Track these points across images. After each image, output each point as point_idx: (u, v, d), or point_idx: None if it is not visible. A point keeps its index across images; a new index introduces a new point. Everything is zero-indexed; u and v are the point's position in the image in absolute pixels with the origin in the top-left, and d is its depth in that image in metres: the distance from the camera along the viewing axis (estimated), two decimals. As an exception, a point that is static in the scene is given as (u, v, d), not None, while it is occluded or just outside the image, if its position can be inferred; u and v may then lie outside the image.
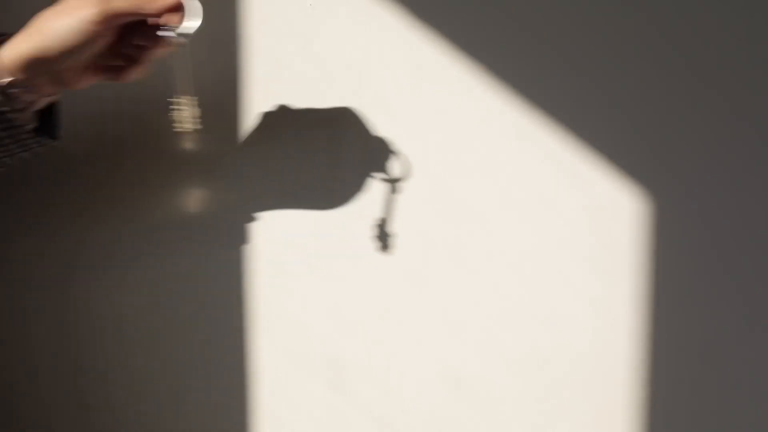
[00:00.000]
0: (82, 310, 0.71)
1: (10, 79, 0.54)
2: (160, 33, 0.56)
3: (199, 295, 0.71)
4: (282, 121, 0.69)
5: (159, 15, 0.56)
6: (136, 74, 0.59)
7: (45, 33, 0.54)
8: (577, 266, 0.69)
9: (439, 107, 0.68)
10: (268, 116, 0.69)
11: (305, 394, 0.71)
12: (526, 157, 0.68)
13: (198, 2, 0.57)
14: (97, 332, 0.72)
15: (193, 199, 0.70)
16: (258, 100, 0.69)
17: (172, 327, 0.71)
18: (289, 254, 0.70)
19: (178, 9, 0.56)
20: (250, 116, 0.69)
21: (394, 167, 0.68)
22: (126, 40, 0.57)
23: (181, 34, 0.56)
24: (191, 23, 0.56)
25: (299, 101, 0.69)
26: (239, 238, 0.70)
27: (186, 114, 0.58)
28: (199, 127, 0.58)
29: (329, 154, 0.69)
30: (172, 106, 0.57)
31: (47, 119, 0.59)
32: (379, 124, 0.69)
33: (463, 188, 0.69)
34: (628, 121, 0.68)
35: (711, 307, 0.69)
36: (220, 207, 0.69)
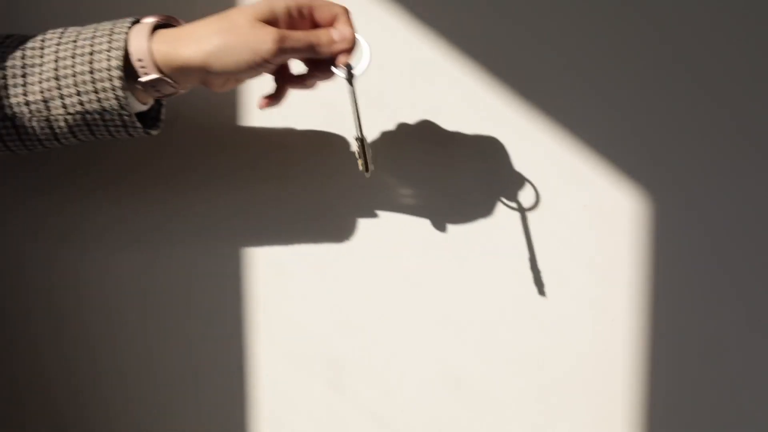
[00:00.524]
0: (75, 307, 0.71)
1: (157, 76, 0.54)
2: (334, 70, 0.57)
3: (199, 294, 0.71)
4: (280, 122, 0.69)
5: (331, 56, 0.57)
6: (280, 102, 0.61)
7: (214, 52, 0.54)
8: (577, 267, 0.69)
9: (437, 106, 0.68)
10: (263, 118, 0.69)
11: (305, 393, 0.71)
12: (525, 157, 0.68)
13: (366, 43, 0.58)
14: (90, 333, 0.71)
15: (193, 194, 0.69)
16: (255, 97, 0.69)
17: (171, 326, 0.71)
18: (288, 253, 0.69)
19: (350, 51, 0.57)
20: (249, 117, 0.69)
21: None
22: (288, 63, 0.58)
23: (351, 74, 0.58)
24: (362, 65, 0.58)
25: (295, 98, 0.69)
26: (238, 236, 0.70)
27: (364, 153, 0.59)
28: (373, 168, 0.59)
29: (328, 155, 0.69)
30: (357, 148, 0.59)
31: (154, 109, 0.60)
32: (377, 123, 0.69)
33: (462, 188, 0.69)
34: (627, 121, 0.68)
35: (710, 308, 0.69)
36: (219, 205, 0.69)
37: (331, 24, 0.57)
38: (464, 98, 0.68)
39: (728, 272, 0.69)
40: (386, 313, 0.70)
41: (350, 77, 0.58)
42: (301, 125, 0.69)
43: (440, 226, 0.69)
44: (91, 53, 0.54)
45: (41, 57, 0.55)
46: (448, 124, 0.68)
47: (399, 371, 0.71)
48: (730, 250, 0.68)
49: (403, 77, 0.68)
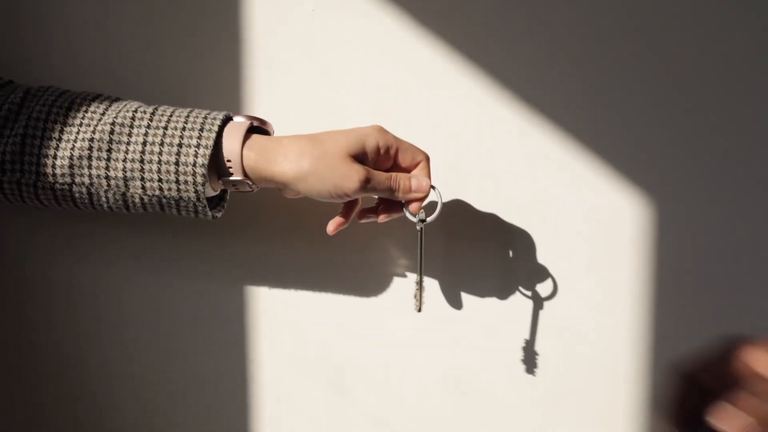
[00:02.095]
0: (87, 307, 0.71)
1: (241, 178, 0.57)
2: (409, 217, 0.60)
3: (203, 298, 0.71)
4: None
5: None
6: (346, 224, 0.62)
7: (302, 176, 0.56)
8: (579, 270, 0.69)
9: (440, 111, 0.69)
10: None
11: (306, 395, 0.71)
12: (527, 161, 0.69)
13: (439, 193, 0.61)
14: (102, 331, 0.72)
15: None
16: (259, 104, 0.69)
17: (173, 329, 0.71)
18: (290, 257, 0.69)
19: (423, 200, 0.60)
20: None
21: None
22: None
23: (423, 221, 0.60)
24: (435, 215, 0.61)
25: (301, 105, 0.69)
26: (242, 240, 0.70)
27: (420, 295, 0.61)
28: (423, 306, 0.62)
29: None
30: (415, 289, 0.60)
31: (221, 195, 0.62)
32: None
33: (464, 191, 0.69)
34: (629, 126, 0.68)
35: (712, 311, 0.69)
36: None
37: (411, 166, 0.60)
38: (466, 101, 0.68)
39: (728, 276, 0.69)
40: (387, 315, 0.70)
41: (422, 224, 0.60)
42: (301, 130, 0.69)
43: (441, 229, 0.69)
44: (179, 145, 0.56)
45: (129, 135, 0.56)
46: (450, 127, 0.69)
47: (400, 374, 0.71)
48: (731, 253, 0.69)
49: (407, 82, 0.68)
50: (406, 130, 0.69)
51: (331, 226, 0.62)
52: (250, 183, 0.57)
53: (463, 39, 0.68)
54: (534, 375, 0.70)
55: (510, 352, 0.70)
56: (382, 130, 0.59)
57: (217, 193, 0.60)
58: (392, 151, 0.59)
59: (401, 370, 0.71)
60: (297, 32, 0.68)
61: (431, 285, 0.69)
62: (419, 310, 0.61)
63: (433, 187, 0.60)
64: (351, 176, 0.56)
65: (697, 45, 0.67)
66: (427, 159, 0.60)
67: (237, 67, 0.68)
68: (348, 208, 0.62)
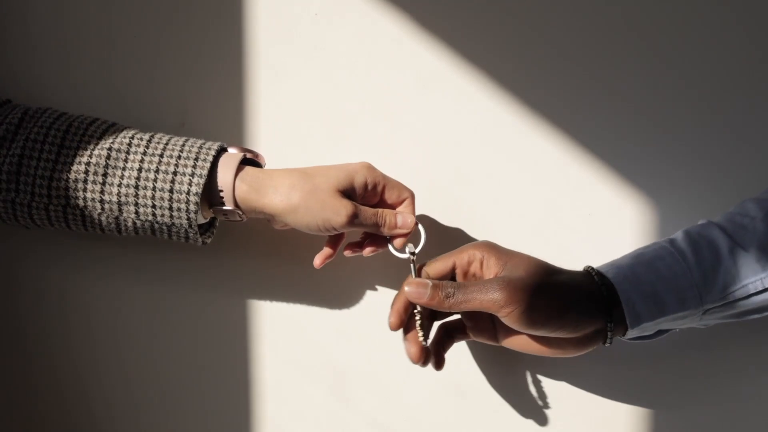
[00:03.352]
0: (81, 319, 0.71)
1: (231, 208, 0.59)
2: (395, 254, 0.62)
3: (204, 302, 0.71)
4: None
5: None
6: (333, 256, 0.64)
7: (291, 209, 0.58)
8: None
9: (442, 114, 0.69)
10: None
11: (307, 401, 0.71)
12: (528, 164, 0.69)
13: (422, 227, 0.62)
14: (95, 328, 0.71)
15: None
16: (262, 108, 0.69)
17: (173, 331, 0.71)
18: (290, 262, 0.69)
19: (407, 236, 0.61)
20: (253, 124, 0.69)
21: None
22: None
23: (413, 254, 0.61)
24: (420, 246, 0.62)
25: (304, 109, 0.69)
26: (241, 247, 0.70)
27: (421, 324, 0.61)
28: (427, 341, 0.61)
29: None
30: (415, 318, 0.60)
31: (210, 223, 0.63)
32: (384, 132, 0.69)
33: (466, 196, 0.69)
34: (630, 127, 0.68)
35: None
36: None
37: (397, 203, 0.62)
38: (468, 105, 0.68)
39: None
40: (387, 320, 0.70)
41: (412, 257, 0.61)
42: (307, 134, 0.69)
43: (443, 233, 0.69)
44: (174, 173, 0.57)
45: (125, 161, 0.58)
46: (452, 132, 0.69)
47: (401, 379, 0.71)
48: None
49: (409, 86, 0.69)
50: (408, 134, 0.69)
51: (318, 259, 0.63)
52: (240, 213, 0.59)
53: (465, 43, 0.68)
54: (535, 379, 0.70)
55: (510, 356, 0.70)
56: (371, 168, 0.60)
57: (207, 220, 0.61)
58: (379, 188, 0.60)
59: (402, 375, 0.70)
60: (300, 36, 0.69)
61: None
62: (426, 342, 0.60)
63: (416, 223, 0.62)
64: (339, 211, 0.57)
65: (699, 47, 0.67)
66: (413, 196, 0.62)
67: (240, 71, 0.69)
68: (334, 240, 0.63)
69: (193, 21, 0.69)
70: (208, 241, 0.62)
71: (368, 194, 0.61)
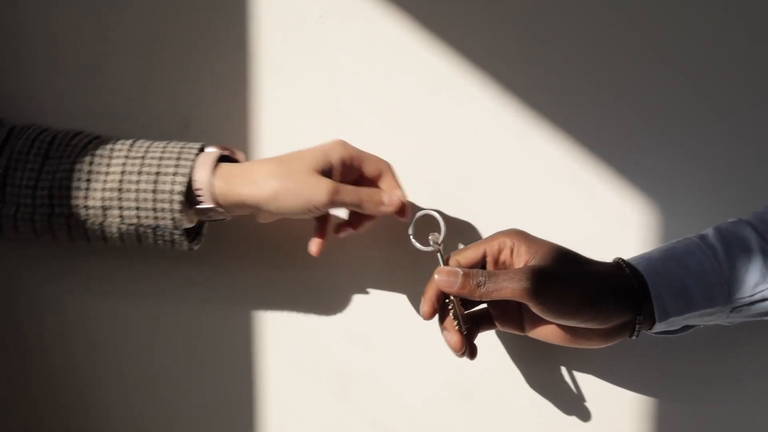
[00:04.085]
0: (79, 332, 0.71)
1: (211, 206, 0.58)
2: (419, 247, 0.61)
3: (207, 304, 0.71)
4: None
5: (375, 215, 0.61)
6: (325, 241, 0.63)
7: (270, 195, 0.57)
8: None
9: (446, 116, 0.69)
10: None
11: (311, 404, 0.71)
12: (533, 168, 0.69)
13: (439, 216, 0.61)
14: (97, 355, 0.71)
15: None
16: (266, 109, 0.69)
17: (177, 334, 0.71)
18: (295, 262, 0.69)
19: (400, 213, 0.61)
20: (257, 125, 0.69)
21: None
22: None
23: (439, 245, 0.60)
24: (443, 235, 0.61)
25: (307, 110, 0.69)
26: (242, 247, 0.70)
27: (455, 312, 0.60)
28: (465, 329, 0.60)
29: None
30: (449, 307, 0.59)
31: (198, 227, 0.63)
32: (387, 134, 0.69)
33: (470, 198, 0.69)
34: (635, 131, 0.68)
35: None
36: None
37: (376, 176, 0.61)
38: (471, 107, 0.68)
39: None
40: (392, 322, 0.70)
41: (438, 247, 0.60)
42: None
43: (447, 236, 0.69)
44: (157, 173, 0.57)
45: (108, 166, 0.58)
46: (456, 134, 0.69)
47: (405, 382, 0.71)
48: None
49: (413, 88, 0.68)
50: (412, 136, 0.69)
51: (314, 247, 0.62)
52: (222, 210, 0.59)
53: (469, 45, 0.68)
54: (539, 381, 0.70)
55: (516, 357, 0.70)
56: (345, 144, 0.60)
57: (194, 224, 0.61)
58: (356, 163, 0.60)
59: (406, 376, 0.70)
60: (304, 38, 0.69)
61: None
62: (464, 331, 0.59)
63: (438, 212, 0.61)
64: (320, 189, 0.57)
65: (703, 48, 0.67)
66: (390, 167, 0.62)
67: (243, 72, 0.69)
68: (321, 225, 0.63)
69: (196, 22, 0.69)
70: (196, 247, 0.62)
71: (346, 170, 0.60)
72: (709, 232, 0.61)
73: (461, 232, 0.69)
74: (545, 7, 0.67)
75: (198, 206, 0.58)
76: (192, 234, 0.62)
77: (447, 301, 0.60)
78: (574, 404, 0.70)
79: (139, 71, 0.69)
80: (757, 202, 0.66)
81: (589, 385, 0.70)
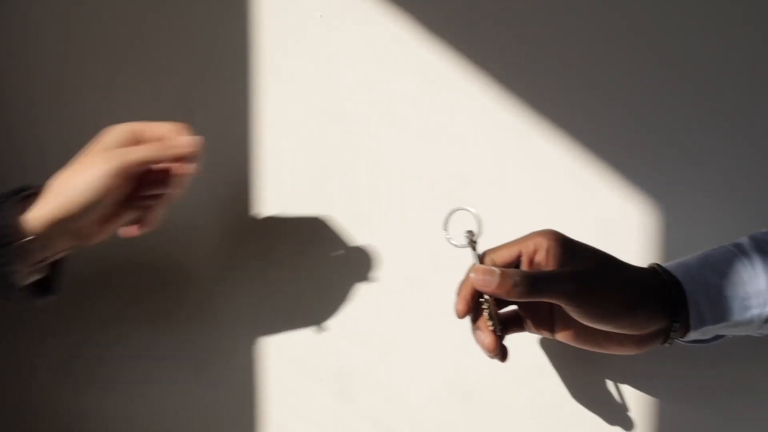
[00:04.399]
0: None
1: (30, 237, 0.53)
2: (448, 240, 0.58)
3: (206, 299, 0.71)
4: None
5: (176, 161, 0.56)
6: (152, 223, 0.59)
7: (64, 193, 0.54)
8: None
9: (446, 117, 0.69)
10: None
11: (312, 404, 0.71)
12: (535, 169, 0.68)
13: (474, 209, 0.59)
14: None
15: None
16: (267, 110, 0.69)
17: (178, 330, 0.71)
18: (297, 263, 0.70)
19: (191, 158, 0.57)
20: (259, 127, 0.69)
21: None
22: (142, 188, 0.57)
23: (474, 241, 0.58)
24: (480, 229, 0.59)
25: (308, 111, 0.69)
26: (244, 242, 0.70)
27: (490, 312, 0.58)
28: (500, 330, 0.58)
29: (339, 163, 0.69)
30: (483, 306, 0.58)
31: (51, 274, 0.59)
32: (387, 134, 0.69)
33: (472, 198, 0.69)
34: (636, 131, 0.68)
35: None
36: (227, 212, 0.70)
37: (167, 137, 0.57)
38: (472, 107, 0.68)
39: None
40: (394, 322, 0.70)
41: (473, 244, 0.58)
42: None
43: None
44: None
45: None
46: (458, 135, 0.69)
47: (406, 382, 0.71)
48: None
49: (415, 89, 0.68)
50: (412, 136, 0.69)
51: (129, 229, 0.59)
52: (41, 240, 0.54)
53: (469, 45, 0.68)
54: (541, 381, 0.70)
55: (517, 358, 0.70)
56: (121, 125, 0.56)
57: (41, 275, 0.57)
58: (139, 136, 0.56)
59: (406, 376, 0.70)
60: (305, 38, 0.69)
61: (436, 291, 0.69)
62: (498, 331, 0.57)
63: (468, 209, 0.59)
64: (97, 161, 0.54)
65: (705, 49, 0.67)
66: (176, 128, 0.57)
67: (245, 73, 0.69)
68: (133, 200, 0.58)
69: (197, 23, 0.69)
70: (50, 298, 0.58)
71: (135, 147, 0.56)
72: (744, 240, 0.59)
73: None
74: (546, 6, 0.67)
75: (18, 246, 0.53)
76: (43, 285, 0.58)
77: (481, 300, 0.58)
78: (574, 404, 0.70)
79: (138, 71, 0.69)
80: (758, 202, 0.65)
81: (589, 385, 0.70)
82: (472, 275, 0.56)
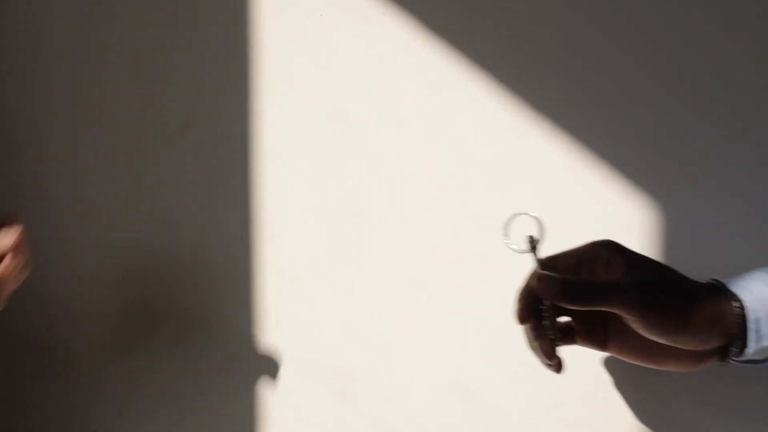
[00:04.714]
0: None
1: None
2: (513, 248, 0.56)
3: (207, 296, 0.71)
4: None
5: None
6: None
7: None
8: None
9: (447, 116, 0.69)
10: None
11: (312, 404, 0.71)
12: (535, 168, 0.68)
13: (536, 214, 0.57)
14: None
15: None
16: (267, 109, 0.69)
17: (181, 331, 0.71)
18: (297, 263, 0.70)
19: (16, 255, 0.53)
20: (259, 125, 0.69)
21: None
22: None
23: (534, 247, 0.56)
24: (540, 239, 0.57)
25: (308, 110, 0.69)
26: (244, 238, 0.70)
27: (551, 320, 0.56)
28: (559, 339, 0.56)
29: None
30: (543, 314, 0.56)
31: None
32: (387, 134, 0.69)
33: (473, 199, 0.69)
34: (637, 131, 0.68)
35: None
36: (227, 213, 0.70)
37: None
38: (472, 106, 0.68)
39: (739, 284, 0.68)
40: (394, 322, 0.70)
41: (534, 250, 0.56)
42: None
43: (450, 236, 0.69)
44: None
45: None
46: (459, 135, 0.69)
47: (406, 382, 0.71)
48: (740, 261, 0.68)
49: (415, 88, 0.68)
50: (412, 135, 0.69)
51: None
52: None
53: (470, 44, 0.68)
54: (541, 382, 0.70)
55: (517, 359, 0.70)
56: None
57: None
58: None
59: (406, 376, 0.70)
60: (305, 37, 0.69)
61: (437, 291, 0.69)
62: (558, 341, 0.56)
63: (530, 214, 0.58)
64: None
65: (705, 49, 0.67)
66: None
67: (244, 72, 0.69)
68: None
69: (197, 22, 0.69)
70: None
71: None
72: None
73: (456, 237, 0.69)
74: (546, 6, 0.67)
75: None
76: None
77: (541, 307, 0.57)
78: (574, 404, 0.70)
79: (139, 71, 0.69)
80: (758, 202, 0.65)
81: (589, 385, 0.70)
82: (534, 281, 0.55)
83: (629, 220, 0.68)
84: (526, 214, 0.58)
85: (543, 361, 0.57)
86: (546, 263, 0.57)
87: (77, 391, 0.72)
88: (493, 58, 0.68)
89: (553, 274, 0.55)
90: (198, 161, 0.69)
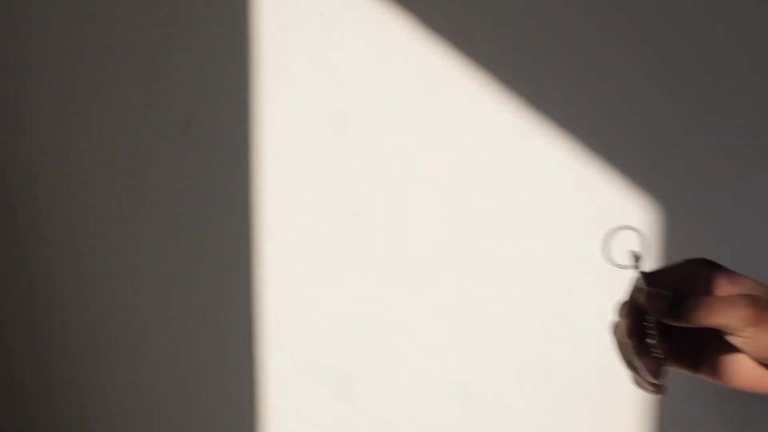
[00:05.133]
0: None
1: None
2: (617, 263, 0.52)
3: (209, 300, 0.71)
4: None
5: None
6: None
7: None
8: (586, 276, 0.69)
9: (449, 117, 0.69)
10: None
11: (312, 403, 0.71)
12: (535, 167, 0.68)
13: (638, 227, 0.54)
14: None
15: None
16: (267, 109, 0.69)
17: (181, 332, 0.71)
18: (298, 263, 0.70)
19: None
20: (259, 124, 0.69)
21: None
22: None
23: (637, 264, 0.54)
24: (644, 255, 0.54)
25: (309, 109, 0.69)
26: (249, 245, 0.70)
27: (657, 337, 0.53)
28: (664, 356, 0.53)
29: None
30: (647, 331, 0.52)
31: None
32: (387, 133, 0.69)
33: (472, 198, 0.69)
34: (636, 129, 0.68)
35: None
36: (228, 213, 0.70)
37: None
38: (472, 106, 0.68)
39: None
40: (394, 322, 0.70)
41: (638, 266, 0.53)
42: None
43: (449, 236, 0.69)
44: None
45: None
46: (459, 134, 0.69)
47: (406, 381, 0.71)
48: (740, 260, 0.68)
49: (415, 87, 0.68)
50: (412, 135, 0.69)
51: None
52: None
53: (470, 44, 0.68)
54: (541, 381, 0.70)
55: (517, 358, 0.70)
56: None
57: None
58: None
59: (406, 376, 0.70)
60: (305, 37, 0.69)
61: (437, 291, 0.69)
62: (664, 360, 0.52)
63: (634, 228, 0.53)
64: None
65: (705, 49, 0.67)
66: None
67: (245, 72, 0.69)
68: None
69: (198, 22, 0.69)
70: None
71: None
72: None
73: (456, 237, 0.69)
74: (546, 6, 0.67)
75: None
76: None
77: (645, 323, 0.56)
78: (574, 404, 0.70)
79: (139, 71, 0.69)
80: (758, 202, 0.65)
81: (589, 385, 0.70)
82: (640, 297, 0.54)
83: (629, 220, 0.68)
84: (630, 228, 0.56)
85: (644, 381, 0.55)
86: (649, 279, 0.56)
87: (77, 390, 0.72)
88: (493, 58, 0.68)
89: (660, 290, 0.53)
90: (198, 161, 0.69)
